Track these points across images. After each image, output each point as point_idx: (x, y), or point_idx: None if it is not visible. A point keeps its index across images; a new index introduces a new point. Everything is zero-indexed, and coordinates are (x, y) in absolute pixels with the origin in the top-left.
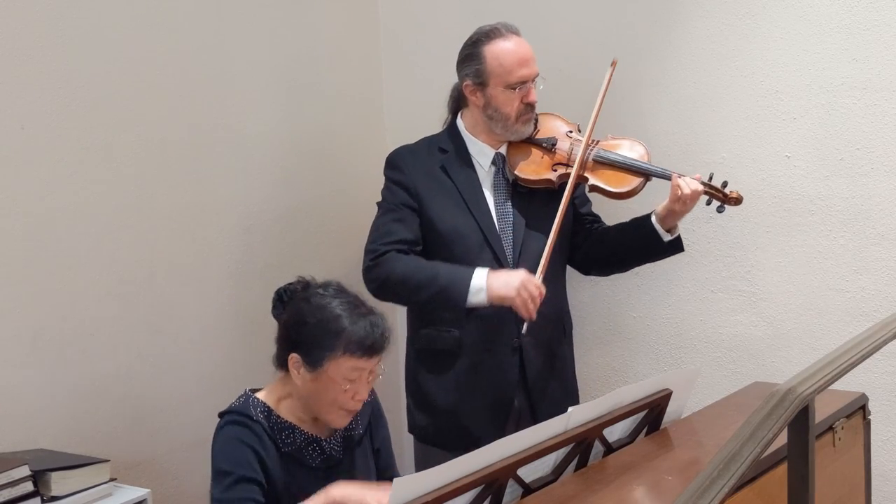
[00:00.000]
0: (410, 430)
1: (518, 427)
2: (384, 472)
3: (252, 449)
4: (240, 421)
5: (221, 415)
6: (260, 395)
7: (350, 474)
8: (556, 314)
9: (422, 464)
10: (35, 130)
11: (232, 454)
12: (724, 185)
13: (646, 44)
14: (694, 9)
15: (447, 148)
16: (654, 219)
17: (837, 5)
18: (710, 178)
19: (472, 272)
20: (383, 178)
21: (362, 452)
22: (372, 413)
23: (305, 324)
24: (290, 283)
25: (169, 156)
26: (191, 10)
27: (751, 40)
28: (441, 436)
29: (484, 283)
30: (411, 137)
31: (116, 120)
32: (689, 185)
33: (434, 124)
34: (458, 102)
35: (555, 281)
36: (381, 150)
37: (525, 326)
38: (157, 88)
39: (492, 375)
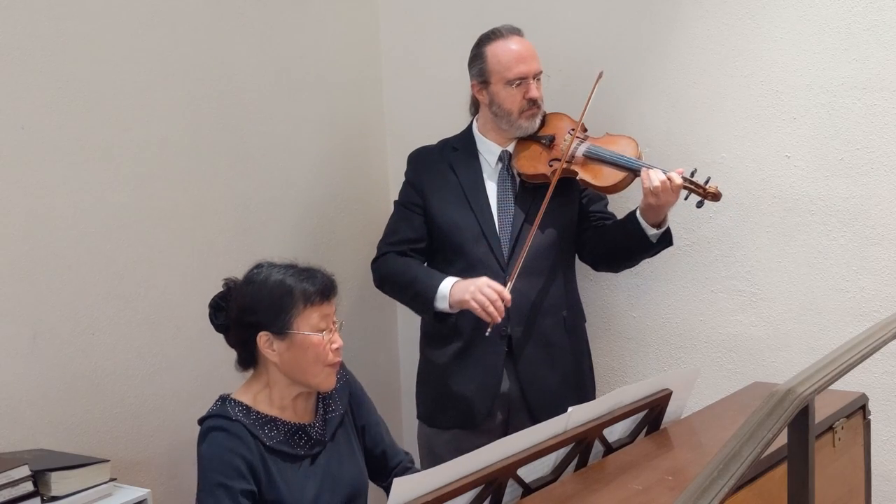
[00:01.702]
0: (418, 417)
1: (510, 413)
2: (374, 448)
3: (240, 455)
4: (222, 426)
5: (201, 421)
6: (235, 396)
7: (336, 455)
8: (554, 306)
9: (424, 445)
10: (35, 130)
11: (222, 466)
12: (707, 181)
13: (646, 44)
14: (694, 9)
15: (458, 146)
16: (638, 214)
17: (837, 5)
18: (693, 174)
19: (442, 280)
20: (383, 178)
21: (345, 432)
22: (350, 393)
23: (258, 300)
24: (219, 292)
25: (169, 156)
26: (191, 10)
27: (751, 40)
28: (438, 415)
29: (447, 291)
30: (411, 138)
31: (116, 120)
32: (656, 176)
33: (434, 124)
34: (476, 105)
35: (553, 274)
36: (381, 151)
37: (489, 330)
38: (157, 88)
39: (479, 360)
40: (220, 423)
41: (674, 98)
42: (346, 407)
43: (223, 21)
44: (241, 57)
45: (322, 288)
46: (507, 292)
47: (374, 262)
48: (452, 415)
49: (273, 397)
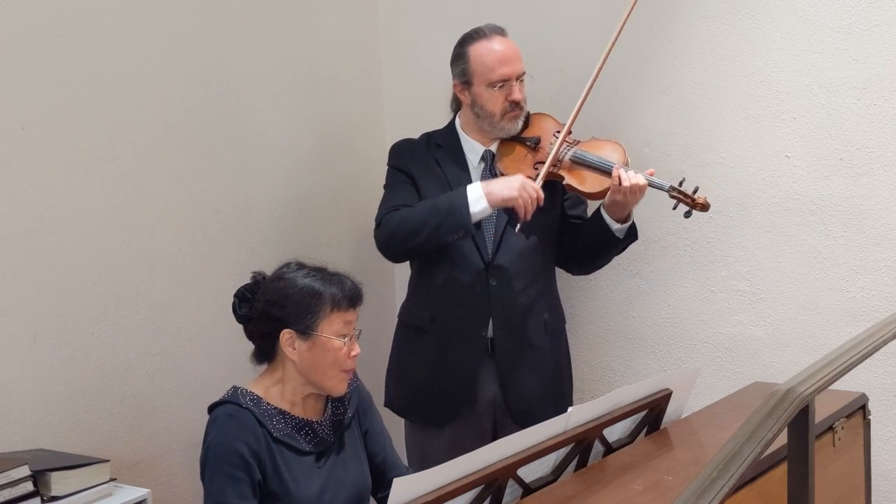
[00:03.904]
0: (386, 404)
1: (494, 415)
2: (375, 456)
3: (246, 444)
4: (231, 413)
5: (211, 408)
6: (247, 387)
7: (342, 458)
8: (535, 309)
9: (411, 444)
10: (35, 130)
11: (229, 455)
12: (696, 190)
13: (646, 44)
14: (694, 9)
15: (442, 143)
16: (603, 211)
17: (837, 5)
18: (681, 184)
19: (465, 187)
20: (383, 178)
21: (351, 435)
22: (359, 400)
23: (288, 297)
24: (246, 284)
25: (169, 156)
26: (191, 10)
27: (751, 40)
28: (411, 409)
29: (482, 191)
30: (411, 136)
31: (116, 120)
32: (629, 177)
33: (433, 122)
34: (457, 102)
35: (536, 277)
36: (382, 150)
37: (519, 226)
38: (157, 88)
39: (458, 358)
40: (230, 410)
41: (674, 98)
42: (354, 412)
43: (222, 20)
44: (241, 56)
45: (350, 294)
46: (541, 192)
47: (377, 230)
48: (425, 409)
49: (285, 392)
